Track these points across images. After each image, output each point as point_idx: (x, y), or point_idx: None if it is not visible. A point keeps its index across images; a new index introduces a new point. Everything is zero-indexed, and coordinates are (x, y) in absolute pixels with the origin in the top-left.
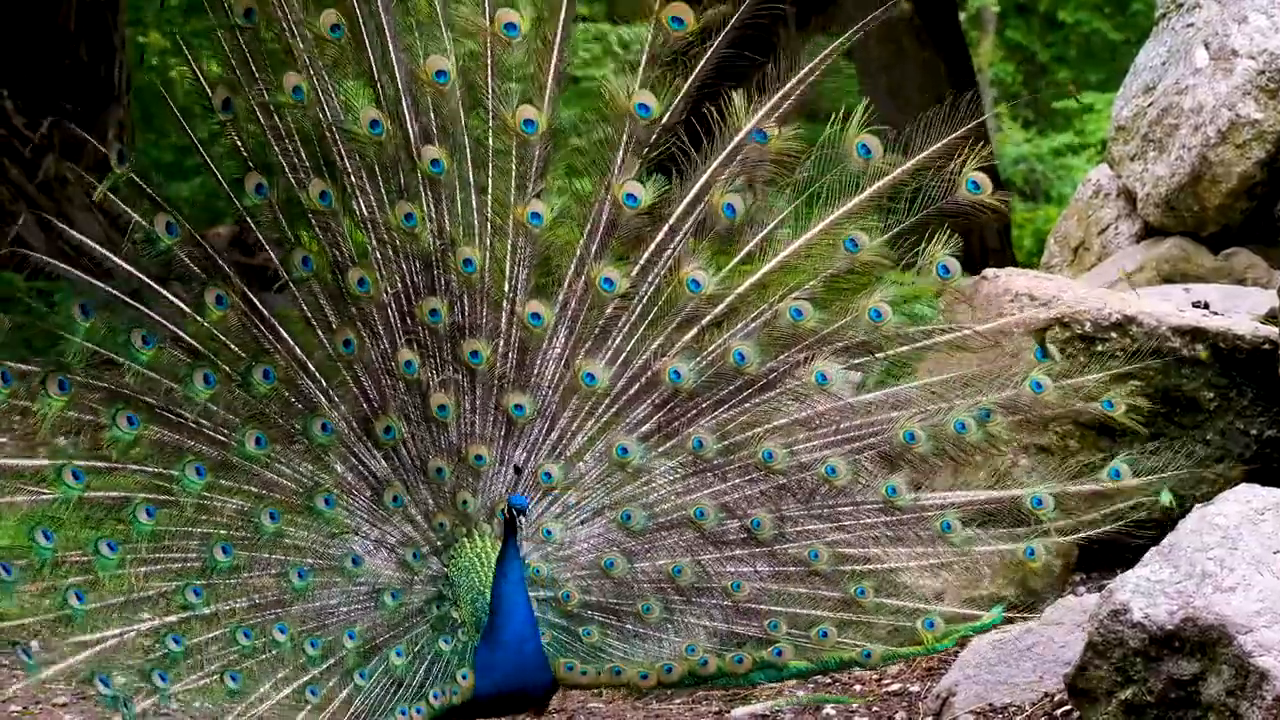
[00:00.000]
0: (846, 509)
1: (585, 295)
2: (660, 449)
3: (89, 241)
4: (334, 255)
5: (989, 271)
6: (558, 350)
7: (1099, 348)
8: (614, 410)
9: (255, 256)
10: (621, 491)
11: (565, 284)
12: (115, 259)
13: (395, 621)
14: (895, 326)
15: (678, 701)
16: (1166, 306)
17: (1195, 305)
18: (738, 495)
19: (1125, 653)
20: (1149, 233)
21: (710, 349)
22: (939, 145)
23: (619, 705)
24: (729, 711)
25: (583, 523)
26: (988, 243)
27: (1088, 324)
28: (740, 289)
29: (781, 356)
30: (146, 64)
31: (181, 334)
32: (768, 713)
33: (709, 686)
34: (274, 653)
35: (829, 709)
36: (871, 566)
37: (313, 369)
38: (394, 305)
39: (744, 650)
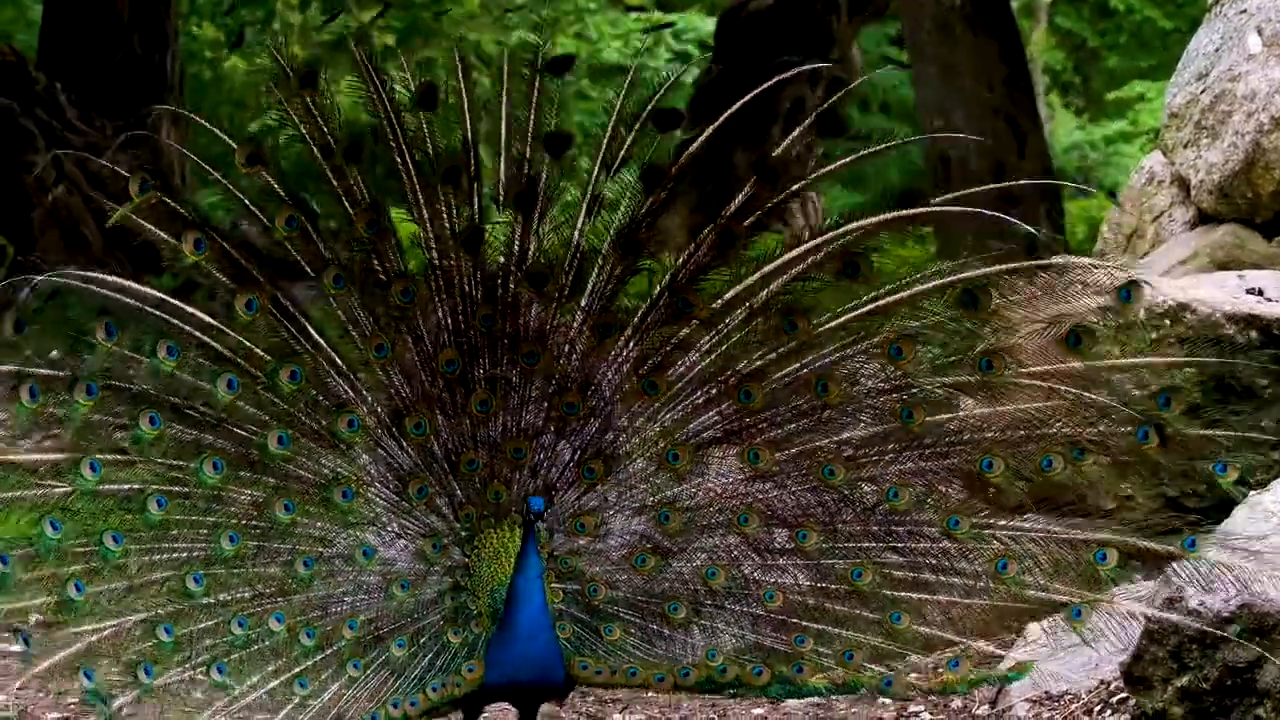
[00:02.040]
0: (903, 531)
1: (666, 308)
2: (715, 457)
3: (106, 277)
4: (380, 271)
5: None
6: (629, 356)
7: (1153, 335)
8: (677, 418)
9: (284, 258)
10: (665, 493)
11: (651, 296)
12: (138, 287)
13: (403, 613)
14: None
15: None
16: (1221, 293)
17: (1249, 292)
18: (790, 504)
19: (1181, 640)
20: (1203, 219)
21: (788, 372)
22: None
23: (673, 694)
24: (784, 700)
25: (620, 518)
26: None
27: (1142, 311)
28: (850, 316)
29: (867, 387)
30: (199, 56)
31: (209, 341)
32: (822, 700)
33: (724, 695)
34: (267, 643)
35: (883, 697)
36: (915, 595)
37: (343, 368)
38: (444, 314)
39: (765, 663)
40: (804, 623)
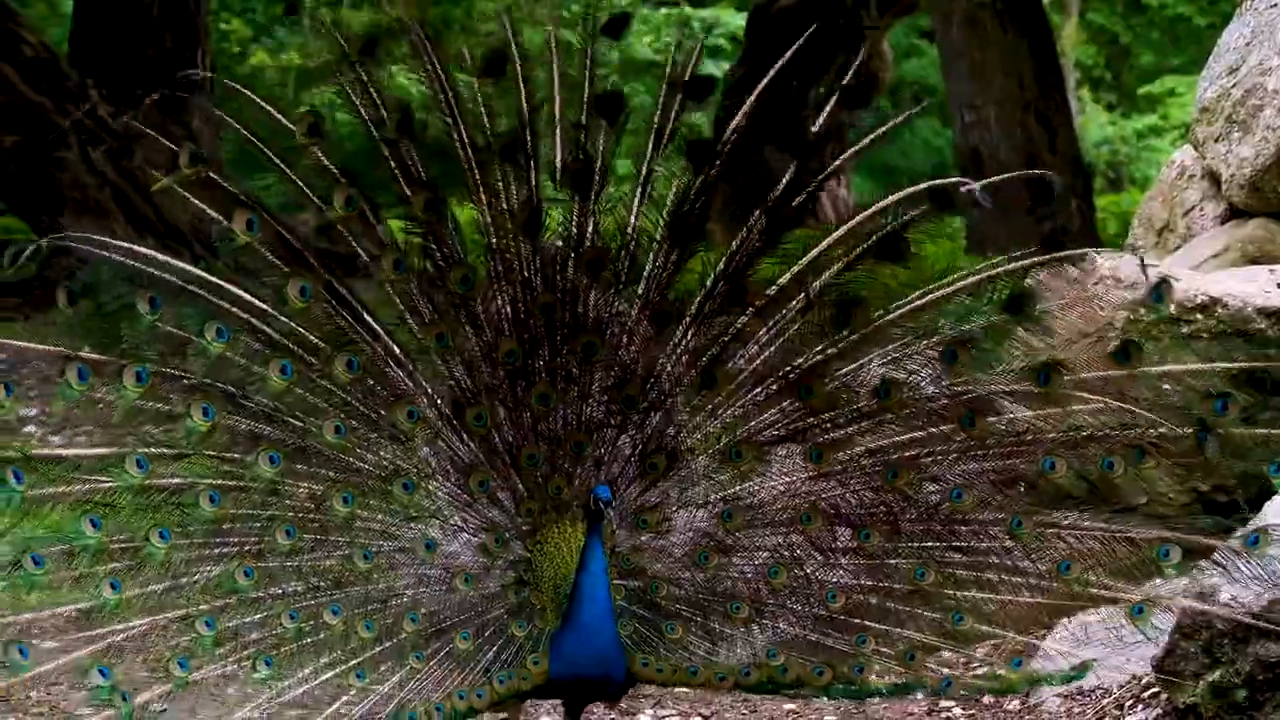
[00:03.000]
0: (966, 530)
1: (719, 301)
2: (778, 455)
3: (145, 252)
4: (439, 256)
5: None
6: (687, 347)
7: (1184, 329)
8: (739, 415)
9: (339, 245)
10: (728, 490)
11: (707, 284)
12: (181, 264)
13: (467, 605)
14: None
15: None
16: (1252, 287)
17: None
18: (853, 503)
19: (1213, 635)
20: (1234, 214)
21: (848, 371)
22: None
23: (705, 690)
24: (840, 700)
25: (683, 515)
26: (1070, 225)
27: (1173, 305)
28: (902, 310)
29: (929, 392)
30: (229, 51)
31: (260, 326)
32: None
33: (785, 695)
34: (321, 636)
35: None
36: (978, 594)
37: (401, 358)
38: (503, 302)
39: (827, 663)
40: (866, 622)
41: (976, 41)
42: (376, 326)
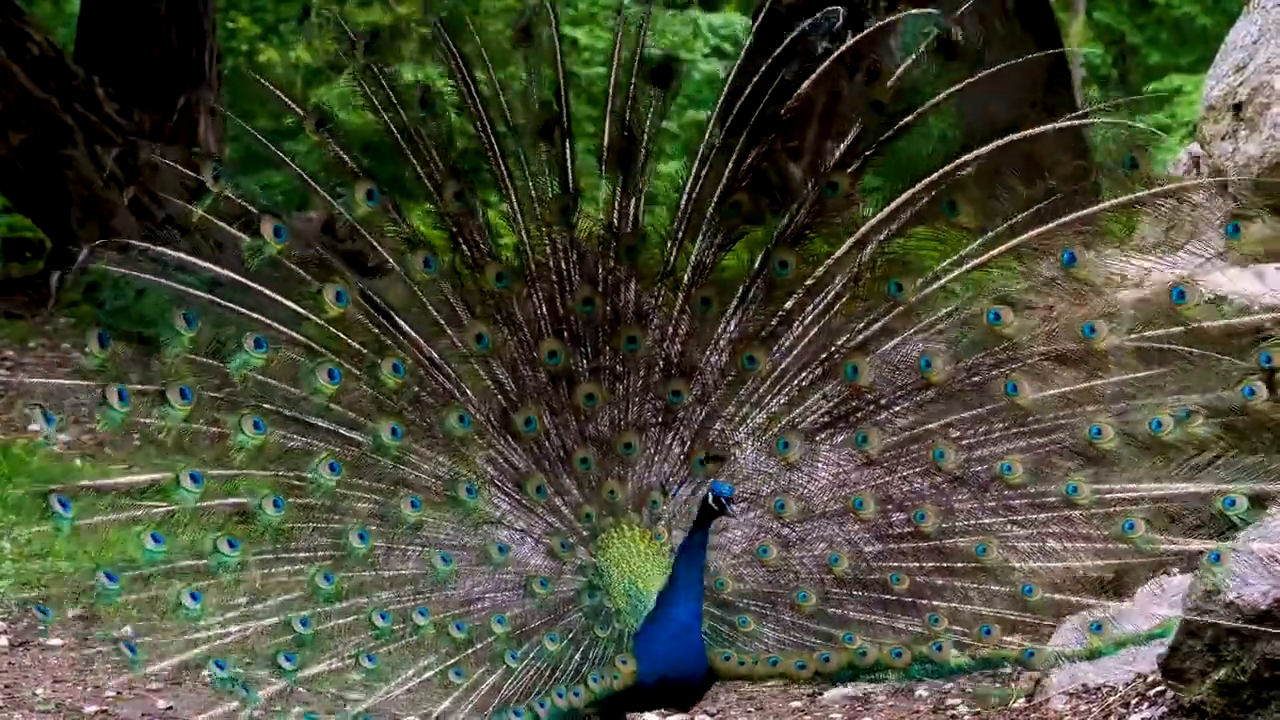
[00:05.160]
0: (1021, 504)
1: (765, 284)
2: (824, 443)
3: (192, 259)
4: (471, 253)
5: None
6: (731, 335)
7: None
8: (784, 401)
9: (346, 243)
10: (779, 481)
11: (747, 272)
12: (220, 269)
13: (547, 609)
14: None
15: (770, 682)
16: (1259, 285)
17: None
18: (905, 488)
19: (1218, 633)
20: (1241, 212)
21: (892, 345)
22: None
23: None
24: (821, 694)
25: (737, 510)
26: None
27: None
28: (934, 286)
29: (970, 362)
30: (236, 50)
31: (297, 335)
32: (860, 694)
33: (868, 679)
34: (415, 637)
35: (921, 690)
36: (1043, 564)
37: (442, 361)
38: (539, 299)
39: (904, 644)
40: (934, 602)
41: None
42: (412, 331)
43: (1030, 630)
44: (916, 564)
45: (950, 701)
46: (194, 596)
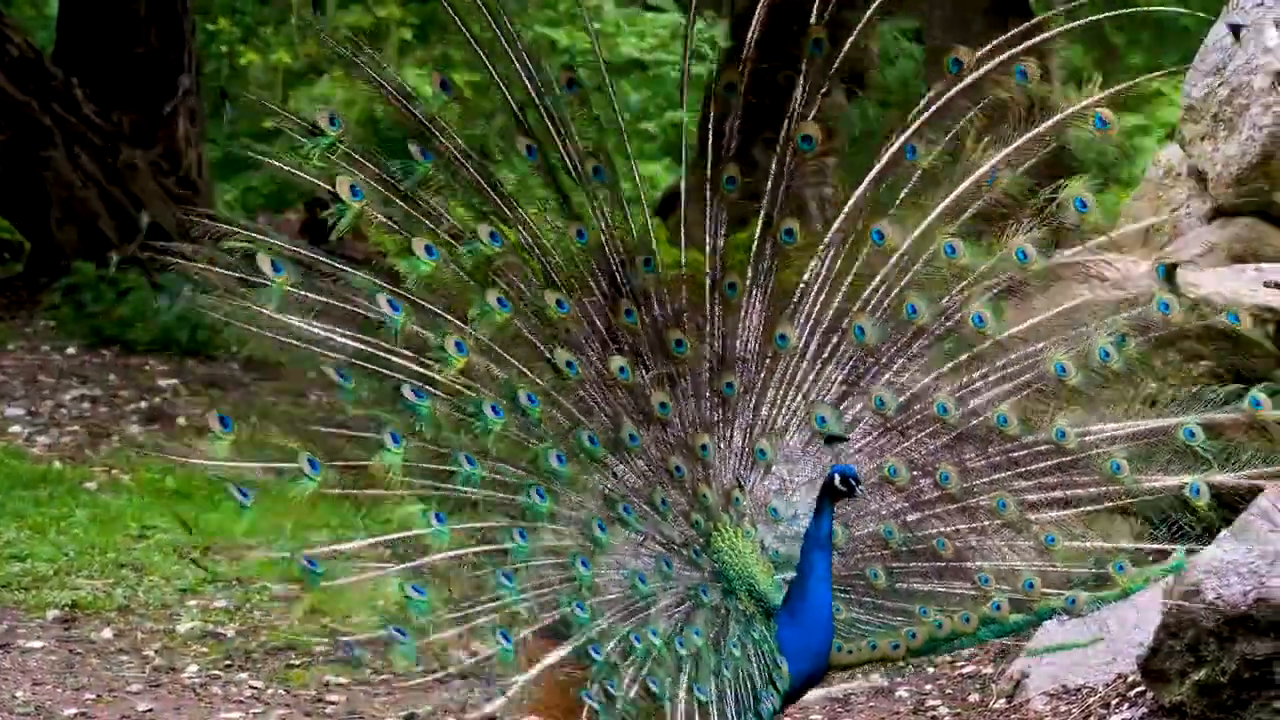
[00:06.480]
0: (1021, 455)
1: (774, 254)
2: (850, 412)
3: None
4: (527, 290)
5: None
6: (755, 319)
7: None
8: (811, 375)
9: (328, 242)
10: (823, 460)
11: (753, 242)
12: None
13: (719, 616)
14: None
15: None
16: (1239, 286)
17: (1267, 285)
18: (923, 450)
19: (1198, 633)
20: (1220, 213)
21: (886, 302)
22: None
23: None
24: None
25: (798, 496)
26: None
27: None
28: (914, 235)
29: (943, 300)
30: (215, 52)
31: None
32: (840, 696)
33: (949, 649)
34: (655, 651)
35: (901, 691)
36: (1056, 514)
37: (545, 388)
38: (587, 318)
39: (967, 608)
40: (979, 563)
41: (964, 41)
42: (516, 363)
43: (1064, 582)
44: (953, 527)
45: (931, 702)
46: (505, 636)
